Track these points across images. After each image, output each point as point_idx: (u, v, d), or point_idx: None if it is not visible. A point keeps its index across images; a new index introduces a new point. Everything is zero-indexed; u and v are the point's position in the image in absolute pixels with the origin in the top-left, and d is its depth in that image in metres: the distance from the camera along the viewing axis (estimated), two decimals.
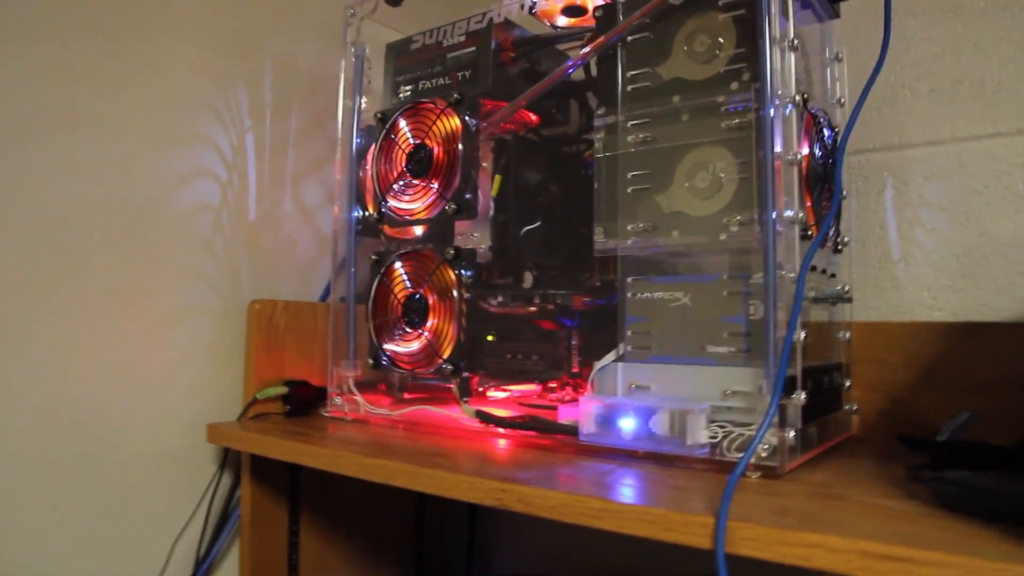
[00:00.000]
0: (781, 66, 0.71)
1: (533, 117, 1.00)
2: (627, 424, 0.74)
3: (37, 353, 0.90)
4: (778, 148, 0.69)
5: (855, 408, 0.90)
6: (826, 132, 0.84)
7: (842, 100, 0.91)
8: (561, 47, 1.02)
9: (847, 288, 0.87)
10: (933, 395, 0.88)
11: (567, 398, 0.95)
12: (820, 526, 0.51)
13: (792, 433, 0.67)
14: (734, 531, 0.52)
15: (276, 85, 1.17)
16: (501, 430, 0.86)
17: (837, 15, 0.89)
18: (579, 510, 0.59)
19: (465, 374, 0.89)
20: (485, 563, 1.37)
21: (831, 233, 0.84)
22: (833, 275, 0.86)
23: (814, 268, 0.79)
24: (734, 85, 0.74)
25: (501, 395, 1.00)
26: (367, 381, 1.03)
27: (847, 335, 0.90)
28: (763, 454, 0.66)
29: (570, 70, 0.90)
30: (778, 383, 0.64)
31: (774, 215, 0.69)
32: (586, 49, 0.87)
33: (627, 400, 0.76)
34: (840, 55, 0.91)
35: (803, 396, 0.68)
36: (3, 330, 0.88)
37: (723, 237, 0.74)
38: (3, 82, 0.88)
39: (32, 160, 0.90)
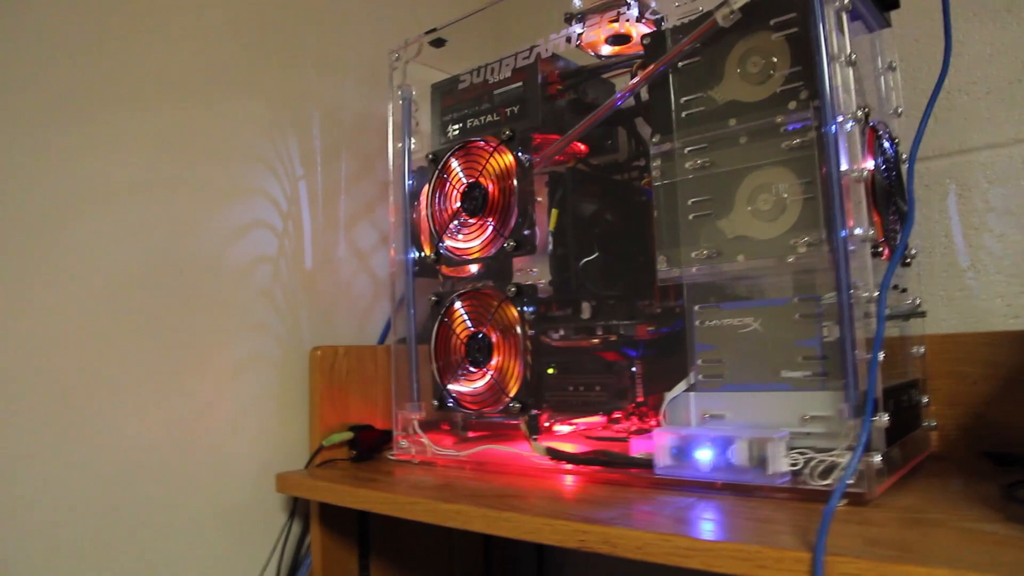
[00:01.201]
0: (840, 82, 0.69)
1: (583, 147, 1.00)
2: (704, 455, 0.73)
3: (111, 409, 0.91)
4: (844, 166, 0.68)
5: (934, 424, 0.87)
6: (887, 144, 0.82)
7: (899, 110, 0.89)
8: (607, 75, 1.02)
9: (919, 302, 0.85)
10: (1016, 406, 0.85)
11: (633, 428, 0.94)
12: (923, 558, 0.49)
13: (878, 457, 0.65)
14: (832, 566, 0.50)
15: (325, 132, 1.19)
16: (571, 466, 0.85)
17: (888, 24, 0.88)
18: (667, 550, 0.58)
19: (533, 411, 0.89)
20: None
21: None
22: (904, 290, 0.84)
23: None
24: (792, 104, 0.73)
25: (567, 428, 0.99)
26: (430, 421, 1.03)
27: (921, 350, 0.87)
28: (849, 480, 0.64)
29: (619, 102, 0.89)
30: (868, 405, 0.62)
31: (844, 234, 0.67)
32: (636, 79, 0.86)
33: (702, 431, 0.74)
34: (893, 64, 0.90)
35: (886, 418, 0.66)
36: (78, 388, 0.89)
37: (791, 259, 0.72)
38: (76, 153, 0.90)
39: (93, 226, 0.92)
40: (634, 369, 0.95)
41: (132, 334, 0.94)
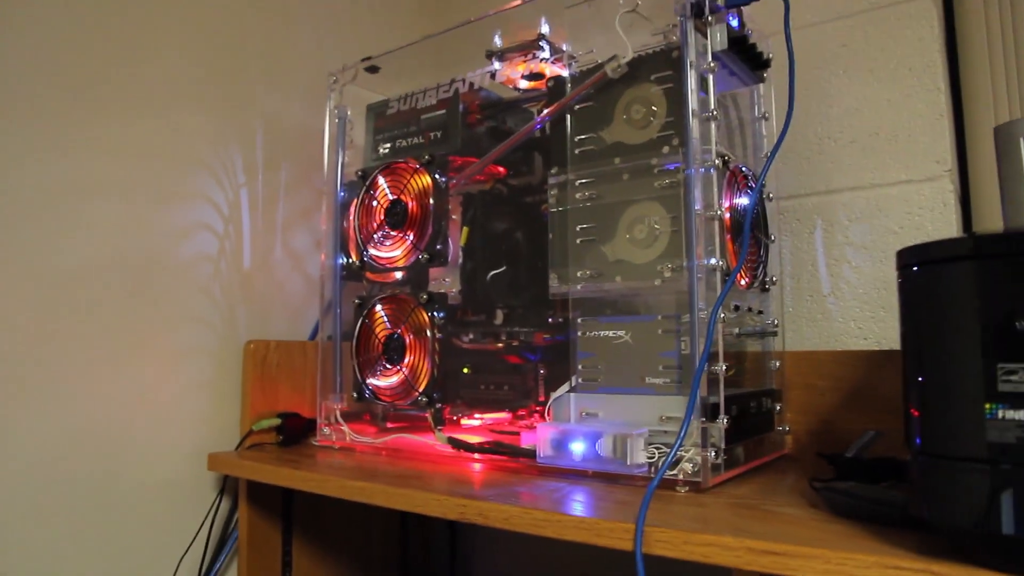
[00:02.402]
0: (699, 134, 0.82)
1: (501, 170, 1.12)
2: (577, 447, 0.85)
3: (56, 393, 1.01)
4: (698, 206, 0.80)
5: (787, 429, 1.00)
6: (752, 185, 0.95)
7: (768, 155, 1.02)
8: (527, 106, 1.14)
9: (775, 322, 0.98)
10: (857, 416, 0.98)
11: (534, 425, 1.05)
12: (721, 529, 0.61)
13: (714, 453, 0.77)
14: (650, 535, 0.62)
15: (267, 143, 1.29)
16: (472, 454, 0.96)
17: (762, 80, 1.01)
18: (527, 521, 0.70)
19: (438, 405, 1.00)
20: None
21: (758, 274, 0.95)
22: (761, 312, 0.97)
23: (738, 308, 0.90)
24: (665, 149, 0.86)
25: (475, 423, 1.10)
26: (354, 412, 1.13)
27: (777, 364, 1.00)
28: (690, 471, 0.77)
29: (520, 139, 1.01)
30: (688, 410, 0.75)
31: (696, 264, 0.80)
32: (543, 114, 0.98)
33: (577, 426, 0.86)
34: (767, 115, 1.03)
35: (725, 420, 0.78)
36: (26, 372, 0.98)
37: (658, 282, 0.85)
38: (24, 155, 0.99)
39: (51, 223, 1.01)
40: (542, 372, 1.07)
41: (78, 323, 1.03)
